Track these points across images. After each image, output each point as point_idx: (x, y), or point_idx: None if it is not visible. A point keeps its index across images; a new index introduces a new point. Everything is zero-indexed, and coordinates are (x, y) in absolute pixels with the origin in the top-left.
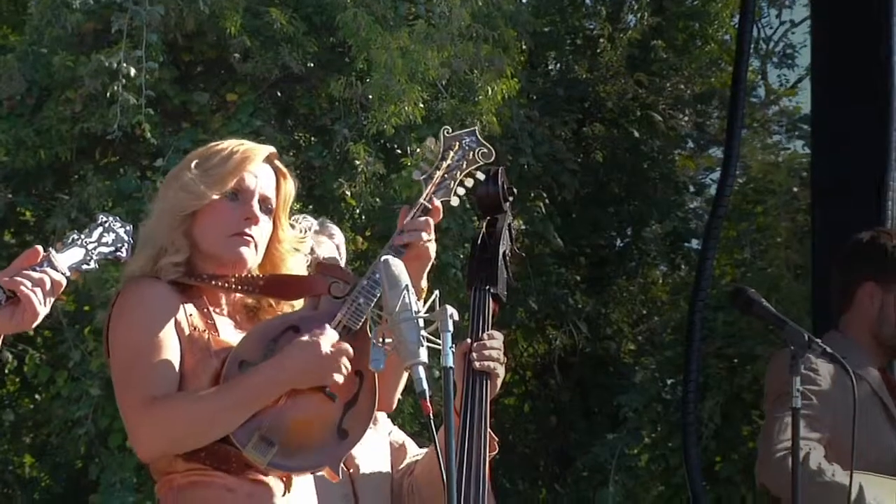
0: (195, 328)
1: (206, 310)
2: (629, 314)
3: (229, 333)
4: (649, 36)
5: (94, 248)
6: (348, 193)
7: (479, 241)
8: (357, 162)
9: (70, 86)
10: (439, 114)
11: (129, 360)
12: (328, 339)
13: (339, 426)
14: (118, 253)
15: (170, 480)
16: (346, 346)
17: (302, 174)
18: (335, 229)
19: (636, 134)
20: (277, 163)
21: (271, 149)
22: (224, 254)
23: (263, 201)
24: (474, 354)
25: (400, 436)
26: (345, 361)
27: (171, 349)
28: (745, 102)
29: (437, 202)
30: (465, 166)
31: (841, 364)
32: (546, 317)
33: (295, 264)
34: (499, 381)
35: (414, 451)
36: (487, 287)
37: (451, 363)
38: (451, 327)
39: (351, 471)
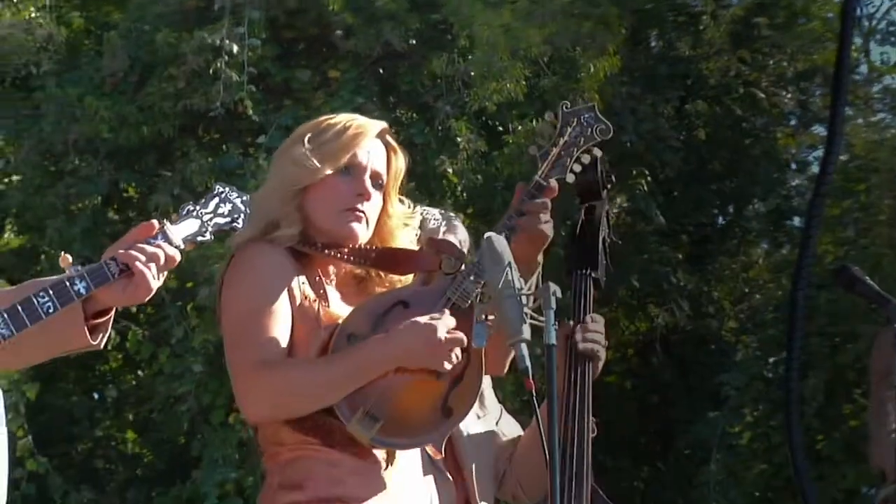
0: (306, 298)
1: (317, 279)
2: (731, 292)
3: (338, 305)
4: (752, 13)
5: (210, 220)
6: (450, 170)
7: (578, 227)
8: (459, 139)
9: (173, 63)
10: (541, 91)
11: (243, 323)
12: (444, 324)
13: (444, 404)
14: (234, 224)
15: (276, 455)
16: (461, 334)
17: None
18: (460, 228)
19: (738, 111)
20: (389, 138)
21: (383, 124)
22: (336, 229)
23: (375, 177)
24: (578, 336)
25: (509, 421)
26: (457, 350)
27: (283, 316)
28: (848, 80)
29: (553, 182)
30: (582, 143)
31: None
32: (648, 295)
33: (404, 238)
34: (600, 365)
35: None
36: (589, 272)
37: (553, 340)
38: (554, 304)
39: (456, 450)
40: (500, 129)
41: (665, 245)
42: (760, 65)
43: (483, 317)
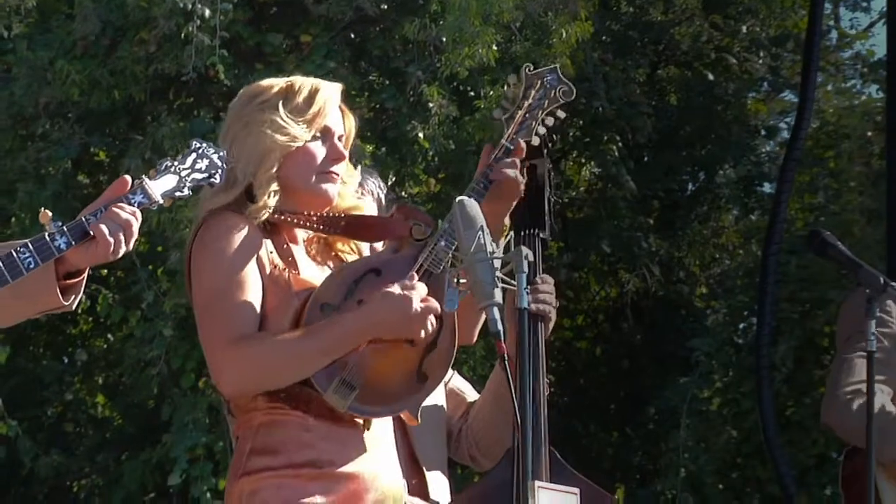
0: (275, 266)
1: (285, 246)
2: (701, 258)
3: (308, 269)
4: None
5: (188, 175)
6: (421, 136)
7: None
8: (430, 104)
9: (144, 26)
10: (513, 56)
11: (214, 297)
12: (419, 294)
13: (419, 370)
14: (212, 179)
15: (249, 419)
16: (436, 304)
17: (375, 116)
18: (369, 182)
19: (710, 77)
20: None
21: (340, 86)
22: (311, 190)
23: (341, 138)
24: (529, 297)
25: (459, 382)
26: (432, 318)
27: (254, 287)
28: (819, 46)
29: (521, 142)
30: (546, 105)
31: None
32: (618, 260)
33: (347, 195)
34: (551, 325)
35: (473, 397)
36: (536, 231)
37: (525, 304)
38: (526, 268)
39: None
40: (472, 94)
41: (636, 211)
42: (732, 30)
43: (455, 281)
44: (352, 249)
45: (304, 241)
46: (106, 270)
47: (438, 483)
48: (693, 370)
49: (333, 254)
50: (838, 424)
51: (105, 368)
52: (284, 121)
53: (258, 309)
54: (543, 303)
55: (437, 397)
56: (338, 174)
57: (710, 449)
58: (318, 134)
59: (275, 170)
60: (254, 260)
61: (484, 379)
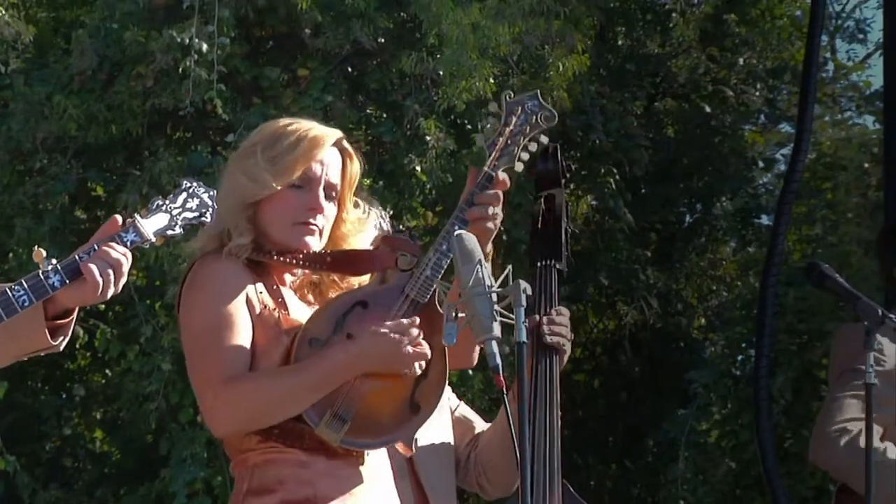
0: (265, 306)
1: (275, 287)
2: (699, 290)
3: (298, 310)
4: (722, 10)
5: (179, 214)
6: (419, 169)
7: (539, 217)
8: (428, 138)
9: (141, 61)
10: (510, 89)
11: (204, 339)
12: (411, 336)
13: (412, 400)
14: (203, 218)
15: (245, 459)
16: (425, 346)
17: (372, 150)
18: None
19: (707, 109)
20: (345, 143)
21: (339, 133)
22: (289, 242)
23: (329, 188)
24: (544, 329)
25: (466, 411)
26: (421, 361)
27: (244, 327)
28: (816, 78)
29: (503, 175)
30: (528, 131)
31: None
32: (616, 292)
33: (357, 243)
34: (566, 357)
35: (480, 426)
36: (553, 262)
37: (524, 338)
38: (524, 302)
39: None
40: (469, 127)
41: (633, 243)
42: (729, 62)
43: (453, 315)
44: (342, 290)
45: (295, 284)
46: (104, 305)
47: None
48: (691, 402)
49: (323, 297)
50: (826, 461)
51: (103, 403)
52: (257, 166)
53: (248, 349)
54: (558, 335)
55: (443, 425)
56: (316, 225)
57: (709, 481)
58: (298, 182)
59: (246, 213)
60: (243, 300)
61: (482, 412)
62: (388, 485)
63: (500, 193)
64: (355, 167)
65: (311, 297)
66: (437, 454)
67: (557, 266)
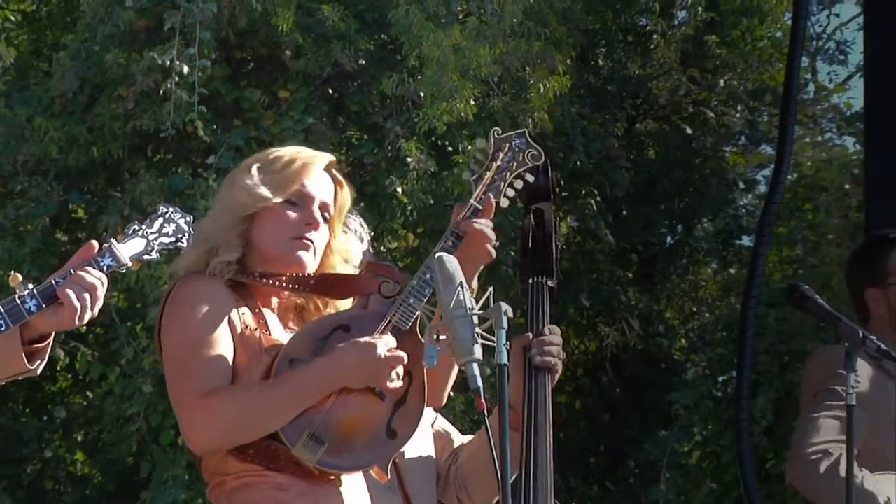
0: (247, 327)
1: (258, 310)
2: (680, 311)
3: (280, 333)
4: (702, 32)
5: (156, 239)
6: (399, 191)
7: (529, 234)
8: (409, 159)
9: (122, 83)
10: (491, 111)
11: (183, 354)
12: (385, 343)
13: (389, 426)
14: (179, 243)
15: (221, 483)
16: (402, 353)
17: (353, 171)
18: (352, 222)
19: (688, 130)
20: (335, 171)
21: (331, 157)
22: (284, 256)
23: (323, 208)
24: (534, 350)
25: (444, 424)
26: (398, 368)
27: (224, 344)
28: (797, 99)
29: (491, 199)
30: (514, 167)
31: (894, 360)
32: (597, 314)
33: (344, 271)
34: (556, 377)
35: (459, 439)
36: (545, 279)
37: (505, 360)
38: (505, 324)
39: (396, 461)
40: (450, 149)
41: (615, 264)
42: (710, 84)
43: (435, 337)
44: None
45: (279, 308)
46: (85, 328)
47: None
48: (673, 423)
49: (306, 322)
50: (804, 486)
51: (84, 425)
52: (253, 182)
53: (228, 367)
54: (549, 355)
55: (425, 441)
56: (311, 241)
57: (691, 502)
58: (294, 199)
59: (238, 228)
60: (225, 319)
61: (463, 434)
62: None
63: (491, 223)
64: (346, 194)
65: (293, 325)
66: (420, 468)
67: (549, 283)
